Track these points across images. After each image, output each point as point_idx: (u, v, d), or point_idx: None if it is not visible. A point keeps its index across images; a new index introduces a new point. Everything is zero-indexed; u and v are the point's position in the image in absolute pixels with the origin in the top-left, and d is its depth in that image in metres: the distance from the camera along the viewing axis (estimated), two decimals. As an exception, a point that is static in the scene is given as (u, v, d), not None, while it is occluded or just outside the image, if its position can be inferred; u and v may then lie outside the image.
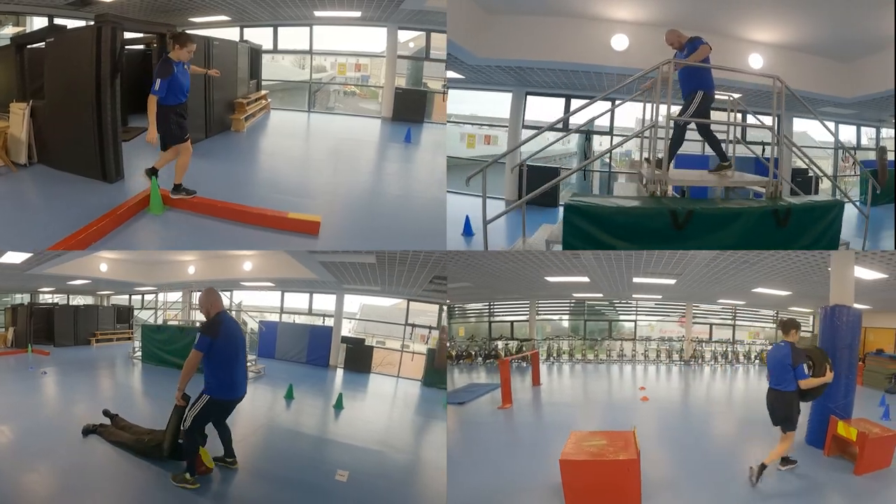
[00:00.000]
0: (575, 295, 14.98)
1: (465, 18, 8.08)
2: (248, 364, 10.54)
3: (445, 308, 13.04)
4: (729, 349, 16.26)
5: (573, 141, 12.29)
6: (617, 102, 8.81)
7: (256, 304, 14.68)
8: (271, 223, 5.94)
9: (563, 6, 8.20)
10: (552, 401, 9.68)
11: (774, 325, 17.06)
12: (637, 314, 16.77)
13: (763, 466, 4.84)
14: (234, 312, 12.44)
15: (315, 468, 5.34)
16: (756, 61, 8.38)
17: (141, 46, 9.81)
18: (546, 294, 14.90)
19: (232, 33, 12.19)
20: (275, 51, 12.90)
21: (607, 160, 11.74)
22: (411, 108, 12.67)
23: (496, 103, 11.83)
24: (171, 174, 6.14)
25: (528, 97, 11.43)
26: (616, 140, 11.24)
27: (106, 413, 5.86)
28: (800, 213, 4.95)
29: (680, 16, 7.83)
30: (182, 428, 4.60)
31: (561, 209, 9.46)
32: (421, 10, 10.87)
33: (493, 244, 7.99)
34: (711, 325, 16.92)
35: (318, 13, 11.50)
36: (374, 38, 12.77)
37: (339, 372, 12.69)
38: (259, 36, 12.55)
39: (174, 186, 6.13)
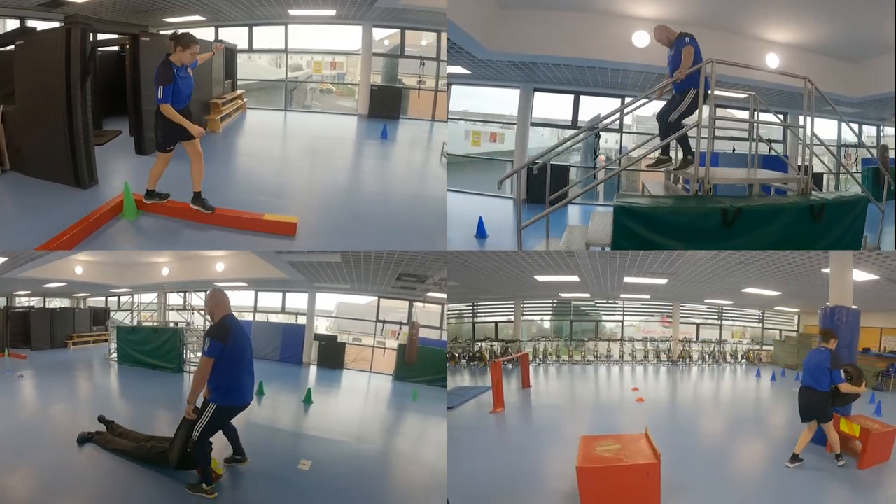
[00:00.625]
0: (561, 295, 14.77)
1: (478, 12, 7.91)
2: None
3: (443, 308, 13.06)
4: (716, 349, 16.37)
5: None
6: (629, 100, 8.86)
7: (234, 304, 14.67)
8: (247, 225, 5.88)
9: (582, 2, 8.12)
10: (544, 404, 9.55)
11: (760, 325, 17.30)
12: (624, 314, 16.66)
13: (837, 455, 5.37)
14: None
15: (283, 460, 5.43)
16: (773, 61, 8.48)
17: (115, 48, 9.68)
18: (532, 294, 14.73)
19: (207, 33, 12.14)
20: (250, 50, 12.88)
21: (613, 157, 11.69)
22: (387, 105, 12.83)
23: (495, 100, 11.80)
24: (144, 178, 5.98)
25: (535, 94, 11.32)
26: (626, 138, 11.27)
27: (101, 419, 5.61)
28: (831, 208, 5.04)
29: (702, 14, 7.88)
30: (192, 439, 4.42)
31: (571, 208, 9.35)
32: (395, 7, 10.93)
33: (502, 246, 8.14)
34: (698, 325, 17.00)
35: (292, 12, 11.54)
36: (350, 36, 12.82)
37: (313, 369, 12.89)
38: (234, 36, 12.51)
39: (147, 192, 5.98)
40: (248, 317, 14.46)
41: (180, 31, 5.57)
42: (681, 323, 16.54)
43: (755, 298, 13.59)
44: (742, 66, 6.16)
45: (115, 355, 11.38)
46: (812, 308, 15.17)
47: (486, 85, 11.47)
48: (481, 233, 8.28)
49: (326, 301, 14.67)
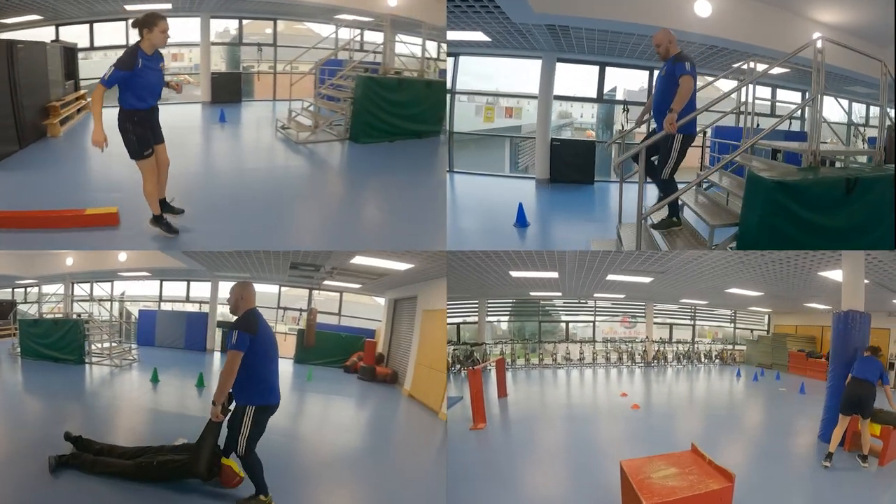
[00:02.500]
0: (531, 293, 13.80)
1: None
2: (124, 351, 11.33)
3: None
4: (691, 349, 16.37)
5: (595, 111, 11.93)
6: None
7: (144, 293, 15.07)
8: (72, 223, 5.72)
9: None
10: (529, 415, 8.50)
11: (732, 325, 17.52)
12: (595, 314, 16.20)
13: (864, 456, 5.65)
14: (116, 303, 13.09)
15: (160, 439, 5.24)
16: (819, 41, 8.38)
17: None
18: (497, 293, 13.85)
19: (47, 33, 11.64)
20: (91, 48, 12.50)
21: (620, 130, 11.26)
22: (228, 91, 13.47)
23: (484, 78, 11.44)
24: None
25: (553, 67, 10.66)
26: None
27: (68, 437, 4.74)
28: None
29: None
30: (238, 455, 4.07)
31: (605, 186, 8.87)
32: (229, -2, 11.42)
33: (531, 233, 7.59)
34: (671, 325, 16.93)
35: (129, 7, 11.48)
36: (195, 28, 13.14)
37: (216, 355, 13.32)
38: (75, 34, 12.03)
39: (154, 217, 5.40)
40: (170, 307, 14.93)
41: (142, 14, 4.94)
42: (652, 323, 16.36)
43: (733, 298, 13.43)
44: (852, 50, 6.05)
45: (19, 349, 11.22)
46: (785, 308, 15.44)
47: (504, 55, 10.88)
48: (521, 221, 7.54)
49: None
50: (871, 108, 11.27)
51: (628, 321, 16.45)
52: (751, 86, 6.97)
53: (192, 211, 5.86)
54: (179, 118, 11.58)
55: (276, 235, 5.92)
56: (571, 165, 10.76)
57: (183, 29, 12.97)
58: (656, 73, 9.11)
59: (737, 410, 9.59)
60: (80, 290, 12.94)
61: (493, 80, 11.62)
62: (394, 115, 9.76)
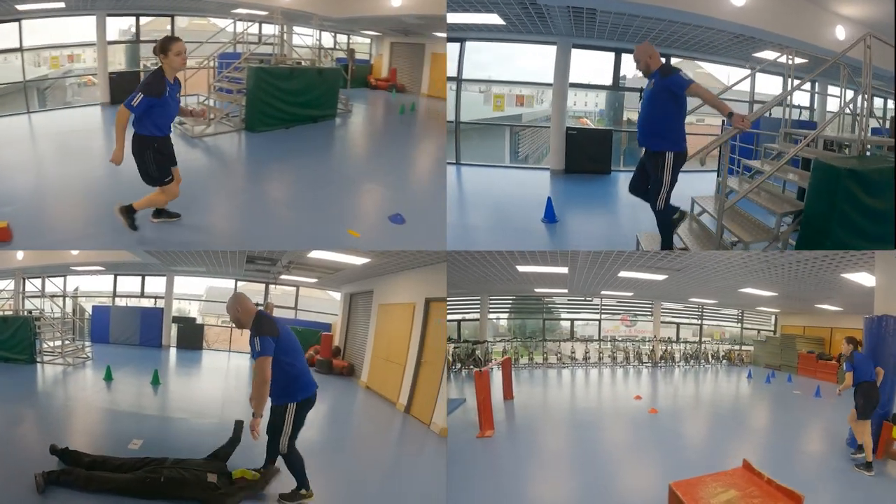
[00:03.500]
0: (536, 290, 13.22)
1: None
2: (77, 349, 11.01)
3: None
4: (698, 349, 16.00)
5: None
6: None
7: (98, 289, 14.66)
8: None
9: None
10: (539, 420, 7.99)
11: (738, 325, 17.11)
12: (600, 313, 15.73)
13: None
14: (68, 299, 12.74)
15: (114, 441, 5.34)
16: (840, 33, 8.23)
17: None
18: (499, 289, 13.42)
19: None
20: None
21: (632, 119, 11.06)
22: (128, 90, 12.66)
23: (487, 66, 11.12)
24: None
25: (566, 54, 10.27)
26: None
27: (54, 450, 4.52)
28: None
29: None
30: (281, 453, 4.16)
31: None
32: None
33: (563, 232, 7.14)
34: (678, 324, 16.48)
35: (20, 7, 10.86)
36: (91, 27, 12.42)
37: (172, 351, 13.30)
38: None
39: (127, 206, 5.34)
40: (126, 303, 14.62)
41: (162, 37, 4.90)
42: (660, 322, 15.97)
43: (744, 298, 13.09)
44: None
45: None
46: (794, 309, 15.11)
47: (515, 40, 10.55)
48: (550, 217, 7.27)
49: (197, 285, 15.02)
50: (874, 99, 11.48)
51: (628, 320, 16.15)
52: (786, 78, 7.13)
53: (101, 213, 5.71)
54: (79, 121, 11.14)
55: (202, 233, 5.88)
56: (588, 155, 10.53)
57: (79, 28, 12.25)
58: (674, 59, 8.87)
59: (755, 415, 9.26)
60: (31, 285, 12.25)
61: (498, 68, 11.34)
62: (287, 103, 10.15)
